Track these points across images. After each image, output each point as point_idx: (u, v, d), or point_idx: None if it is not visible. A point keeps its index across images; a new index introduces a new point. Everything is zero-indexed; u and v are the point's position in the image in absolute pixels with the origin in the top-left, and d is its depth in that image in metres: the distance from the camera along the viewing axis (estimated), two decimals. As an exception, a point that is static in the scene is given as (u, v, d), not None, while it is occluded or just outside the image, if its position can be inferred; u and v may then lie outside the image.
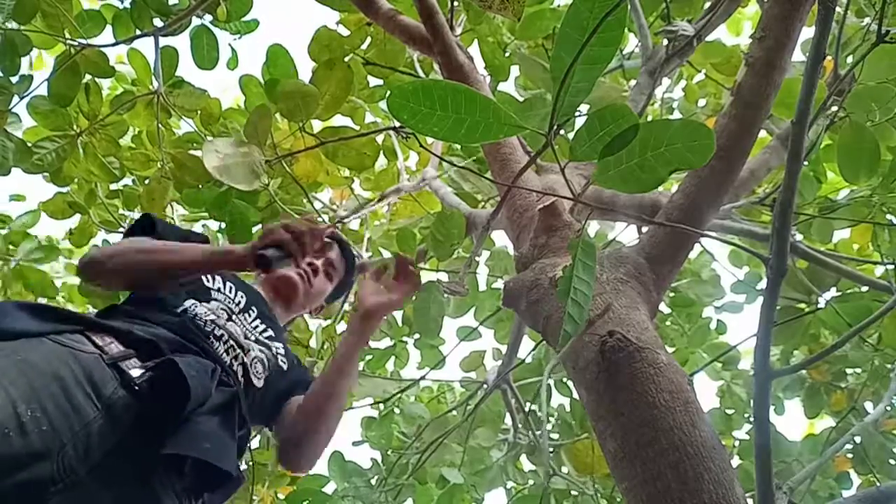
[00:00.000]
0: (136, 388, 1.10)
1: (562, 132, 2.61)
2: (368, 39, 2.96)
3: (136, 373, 1.12)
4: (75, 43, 2.80)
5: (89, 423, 1.02)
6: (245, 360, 1.42)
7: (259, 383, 1.44)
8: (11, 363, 1.00)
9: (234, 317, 1.48)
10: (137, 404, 1.09)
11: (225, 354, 1.38)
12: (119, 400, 1.07)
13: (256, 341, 1.49)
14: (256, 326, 1.53)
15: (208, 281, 1.53)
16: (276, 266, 1.38)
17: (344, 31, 2.94)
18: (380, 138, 3.86)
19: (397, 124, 2.94)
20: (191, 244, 1.50)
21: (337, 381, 1.49)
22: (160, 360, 1.16)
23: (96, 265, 1.40)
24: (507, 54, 3.11)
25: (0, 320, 1.06)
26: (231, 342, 1.41)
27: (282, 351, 1.56)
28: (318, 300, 1.84)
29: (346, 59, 3.08)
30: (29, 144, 2.91)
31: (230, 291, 1.55)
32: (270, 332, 1.56)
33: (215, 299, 1.48)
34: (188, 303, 1.42)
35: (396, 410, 3.91)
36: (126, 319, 1.28)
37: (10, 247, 3.56)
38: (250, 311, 1.54)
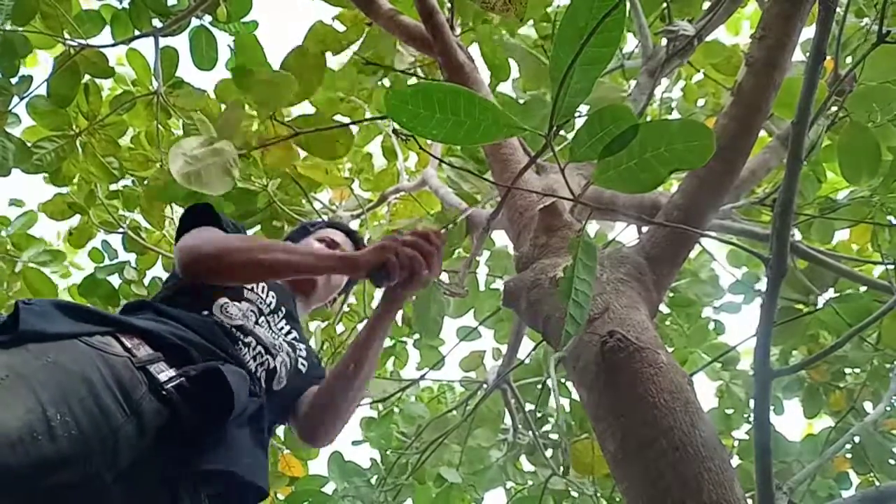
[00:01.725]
0: (164, 393, 1.08)
1: (562, 133, 2.61)
2: (364, 35, 2.95)
3: (164, 377, 1.10)
4: (74, 43, 2.80)
5: (117, 428, 1.01)
6: (271, 365, 1.40)
7: (279, 387, 1.43)
8: (41, 365, 0.99)
9: (262, 318, 1.45)
10: (167, 411, 1.08)
11: (252, 361, 1.35)
12: (148, 405, 1.06)
13: (282, 345, 1.47)
14: (283, 328, 1.51)
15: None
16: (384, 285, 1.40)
17: (340, 28, 2.93)
18: (380, 139, 3.87)
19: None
20: (301, 246, 1.59)
21: (361, 362, 1.49)
22: (203, 367, 1.14)
23: (209, 262, 1.37)
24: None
25: (38, 322, 1.04)
26: (259, 348, 1.38)
27: (304, 353, 1.54)
28: (334, 292, 1.85)
29: (345, 55, 3.09)
30: (28, 145, 2.91)
31: (262, 291, 1.51)
32: (295, 335, 1.54)
33: (247, 299, 1.45)
34: (221, 300, 1.39)
35: (396, 410, 3.91)
36: (156, 318, 1.25)
37: (10, 248, 3.56)
38: (279, 312, 1.52)
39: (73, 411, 0.97)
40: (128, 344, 1.11)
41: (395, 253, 1.36)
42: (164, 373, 1.10)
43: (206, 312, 1.36)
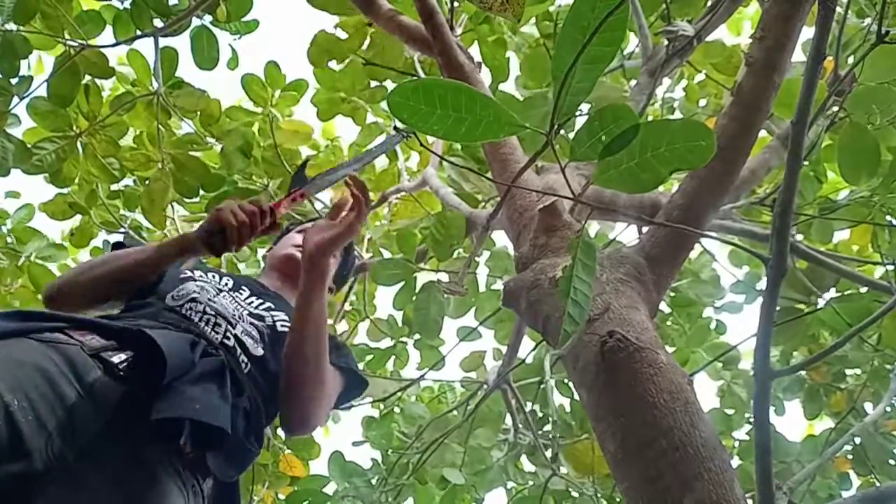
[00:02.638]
0: (120, 373, 1.11)
1: (562, 132, 2.61)
2: (367, 41, 2.95)
3: (117, 359, 1.12)
4: (75, 44, 2.80)
5: (73, 407, 1.02)
6: (235, 332, 1.39)
7: (259, 352, 1.41)
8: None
9: (222, 293, 1.48)
10: (121, 386, 1.09)
11: (212, 331, 1.36)
12: (102, 386, 1.08)
13: (250, 314, 1.47)
14: (251, 302, 1.52)
15: (185, 273, 1.52)
16: (225, 250, 1.41)
17: (342, 35, 2.94)
18: (380, 139, 3.87)
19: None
20: (144, 245, 1.55)
21: (299, 328, 1.41)
22: (129, 331, 1.16)
23: (60, 294, 1.42)
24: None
25: None
26: (217, 319, 1.39)
27: (282, 317, 1.52)
28: (326, 276, 1.84)
29: (346, 60, 3.09)
30: (29, 145, 2.91)
31: (214, 278, 1.54)
32: (269, 304, 1.54)
33: (195, 280, 1.48)
34: (170, 291, 1.43)
35: (397, 410, 3.91)
36: (108, 318, 1.29)
37: (10, 241, 3.56)
38: (241, 290, 1.54)
39: (30, 398, 0.99)
40: (79, 338, 1.13)
41: (217, 213, 1.40)
42: (117, 356, 1.13)
43: (159, 298, 1.40)
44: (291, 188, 1.58)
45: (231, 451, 1.20)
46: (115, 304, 1.46)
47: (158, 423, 1.08)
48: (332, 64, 3.10)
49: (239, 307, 1.48)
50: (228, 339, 1.38)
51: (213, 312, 1.40)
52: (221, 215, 1.39)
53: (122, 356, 1.13)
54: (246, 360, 1.38)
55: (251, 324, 1.45)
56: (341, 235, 1.44)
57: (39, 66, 3.50)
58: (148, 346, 1.13)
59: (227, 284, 1.54)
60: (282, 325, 1.51)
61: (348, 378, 1.57)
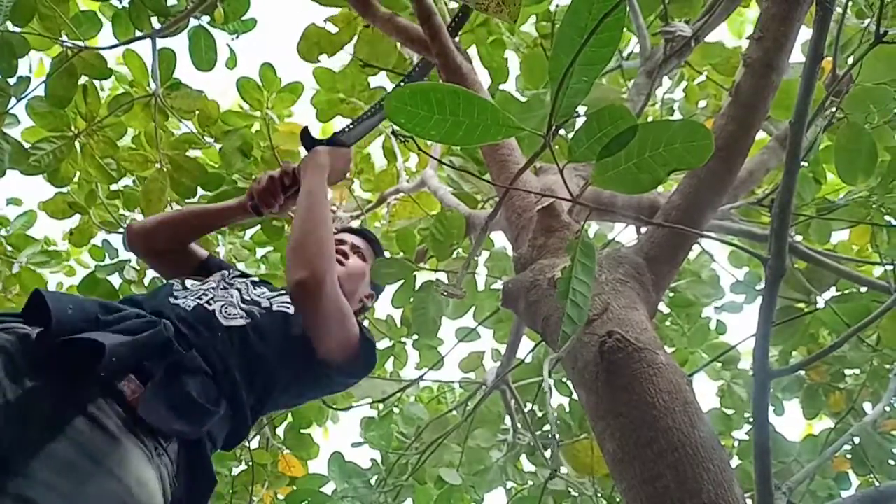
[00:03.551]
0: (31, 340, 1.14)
1: (560, 133, 2.61)
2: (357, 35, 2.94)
3: (24, 331, 1.16)
4: (72, 45, 2.80)
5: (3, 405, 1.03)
6: (212, 308, 1.43)
7: (238, 322, 1.43)
8: None
9: (205, 288, 1.52)
10: (32, 349, 1.13)
11: (183, 303, 1.41)
12: (19, 347, 1.11)
13: (241, 300, 1.50)
14: (248, 291, 1.56)
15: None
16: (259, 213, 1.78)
17: (333, 29, 2.93)
18: (380, 139, 3.88)
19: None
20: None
21: (300, 214, 1.55)
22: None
23: (143, 231, 1.81)
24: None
25: None
26: (188, 299, 1.44)
27: (284, 300, 1.55)
28: (359, 281, 1.88)
29: (346, 57, 3.08)
30: (26, 146, 2.91)
31: (210, 282, 1.59)
32: (268, 293, 1.58)
33: (181, 288, 1.53)
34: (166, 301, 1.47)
35: (396, 411, 3.91)
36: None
37: (10, 249, 3.56)
38: (236, 287, 1.57)
39: None
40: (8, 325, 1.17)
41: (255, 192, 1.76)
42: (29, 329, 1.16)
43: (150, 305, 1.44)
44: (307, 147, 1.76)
45: (175, 401, 1.19)
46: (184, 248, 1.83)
47: (80, 377, 1.10)
48: (330, 64, 3.10)
49: (227, 294, 1.50)
50: (201, 309, 1.41)
51: (185, 296, 1.45)
52: (252, 184, 1.76)
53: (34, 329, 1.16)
54: (219, 325, 1.40)
55: (239, 307, 1.48)
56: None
57: (40, 67, 3.50)
58: (35, 296, 1.18)
59: (219, 282, 1.57)
60: (279, 306, 1.52)
61: (365, 342, 1.59)
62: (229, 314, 1.43)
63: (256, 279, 1.66)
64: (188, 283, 1.56)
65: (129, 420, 1.13)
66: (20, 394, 1.05)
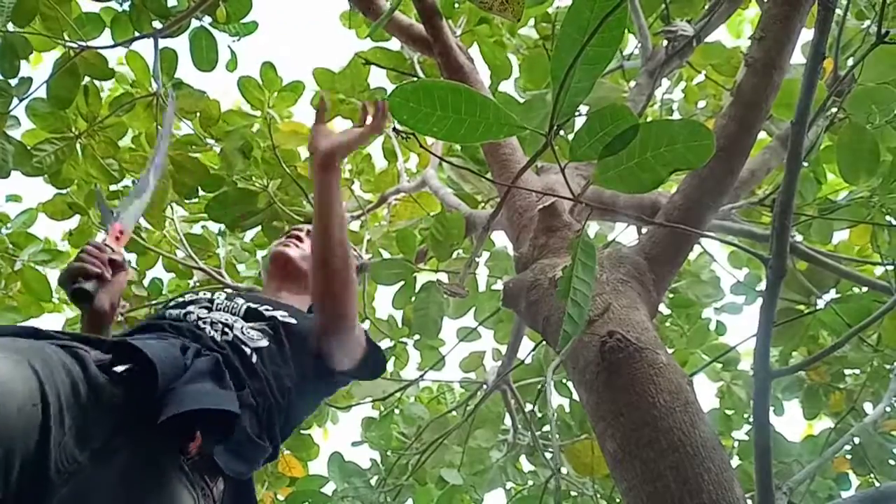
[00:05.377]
0: (122, 381, 1.11)
1: (562, 133, 2.61)
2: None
3: (119, 368, 1.13)
4: (74, 45, 2.80)
5: (87, 409, 1.03)
6: (234, 333, 1.41)
7: (263, 342, 1.42)
8: (27, 346, 1.01)
9: (216, 303, 1.50)
10: (124, 394, 1.10)
11: (211, 330, 1.38)
12: (110, 392, 1.09)
13: (246, 316, 1.48)
14: (248, 306, 1.53)
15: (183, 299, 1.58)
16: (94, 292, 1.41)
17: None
18: (380, 140, 3.87)
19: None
20: None
21: (321, 227, 1.47)
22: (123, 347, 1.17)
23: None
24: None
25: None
26: (213, 322, 1.42)
27: (283, 312, 1.54)
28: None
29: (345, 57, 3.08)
30: (28, 147, 2.91)
31: (210, 295, 1.58)
32: (267, 306, 1.55)
33: (192, 302, 1.52)
34: (170, 309, 1.47)
35: (396, 411, 3.91)
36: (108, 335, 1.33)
37: (11, 247, 3.56)
38: (236, 301, 1.55)
39: (58, 393, 0.98)
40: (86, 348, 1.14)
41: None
42: (118, 367, 1.13)
43: (158, 321, 1.43)
44: (106, 225, 1.55)
45: (238, 444, 1.19)
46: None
47: (164, 425, 1.08)
48: (331, 63, 3.10)
49: (235, 308, 1.49)
50: (227, 334, 1.39)
51: (208, 319, 1.42)
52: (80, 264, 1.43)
53: (122, 367, 1.14)
54: (250, 351, 1.38)
55: (251, 326, 1.46)
56: (354, 141, 1.50)
57: (37, 57, 3.47)
58: (139, 356, 1.13)
59: (221, 297, 1.56)
60: (283, 317, 1.51)
61: (372, 347, 1.59)
62: (255, 334, 1.43)
63: (224, 295, 1.61)
64: (193, 304, 1.51)
65: (183, 461, 1.14)
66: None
